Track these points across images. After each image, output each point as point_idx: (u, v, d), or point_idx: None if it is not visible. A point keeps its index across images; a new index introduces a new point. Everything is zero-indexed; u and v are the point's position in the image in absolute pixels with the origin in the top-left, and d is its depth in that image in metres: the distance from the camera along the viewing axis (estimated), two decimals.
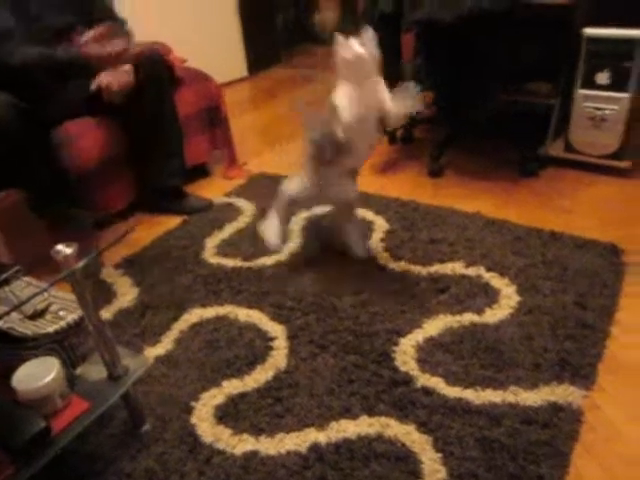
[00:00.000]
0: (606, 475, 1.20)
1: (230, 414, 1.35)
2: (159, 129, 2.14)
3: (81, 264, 1.06)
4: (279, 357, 1.50)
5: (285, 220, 1.85)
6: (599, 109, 2.18)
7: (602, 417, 1.32)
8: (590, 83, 2.18)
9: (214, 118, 2.49)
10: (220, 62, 3.38)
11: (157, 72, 2.10)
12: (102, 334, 1.16)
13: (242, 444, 1.28)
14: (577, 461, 1.22)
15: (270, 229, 1.83)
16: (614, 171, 2.24)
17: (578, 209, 2.08)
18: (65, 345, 1.20)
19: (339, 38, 1.49)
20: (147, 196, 2.26)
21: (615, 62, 2.12)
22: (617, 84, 2.13)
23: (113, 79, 1.96)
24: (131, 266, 1.93)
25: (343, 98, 1.49)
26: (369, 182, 2.35)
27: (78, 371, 1.23)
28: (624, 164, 2.22)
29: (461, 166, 2.43)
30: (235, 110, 3.21)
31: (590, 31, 2.12)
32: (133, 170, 2.21)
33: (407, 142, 2.63)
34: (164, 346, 1.57)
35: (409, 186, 2.32)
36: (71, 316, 1.21)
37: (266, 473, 1.21)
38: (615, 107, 2.15)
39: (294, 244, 1.97)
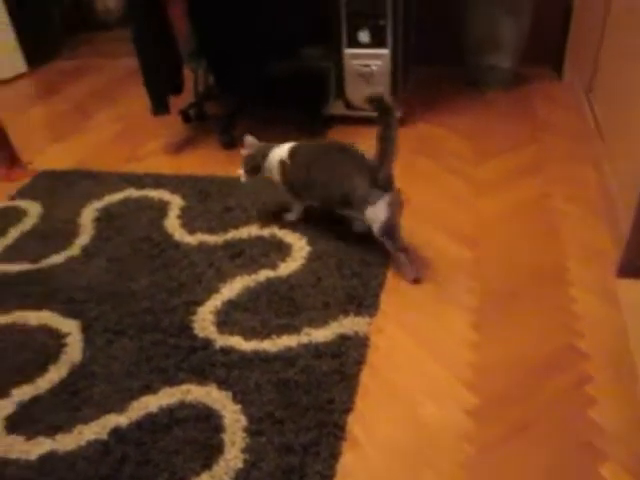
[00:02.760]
0: (388, 385, 1.33)
1: (22, 421, 1.27)
2: None
3: None
4: (73, 352, 1.43)
5: None
6: (366, 65, 2.36)
7: (385, 337, 1.46)
8: (354, 42, 2.34)
9: None
10: None
11: None
12: None
13: (37, 447, 1.21)
14: (365, 380, 1.35)
15: None
16: None
17: None
18: None
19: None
20: None
21: (372, 21, 2.29)
22: (376, 41, 2.31)
23: None
24: None
25: None
26: (164, 163, 2.31)
27: None
28: (396, 114, 2.42)
29: (254, 135, 2.48)
30: (16, 108, 2.95)
31: None
32: None
33: (201, 119, 2.62)
34: None
35: (205, 161, 2.31)
36: None
37: (65, 469, 1.17)
38: (378, 62, 2.34)
39: (86, 237, 1.88)
